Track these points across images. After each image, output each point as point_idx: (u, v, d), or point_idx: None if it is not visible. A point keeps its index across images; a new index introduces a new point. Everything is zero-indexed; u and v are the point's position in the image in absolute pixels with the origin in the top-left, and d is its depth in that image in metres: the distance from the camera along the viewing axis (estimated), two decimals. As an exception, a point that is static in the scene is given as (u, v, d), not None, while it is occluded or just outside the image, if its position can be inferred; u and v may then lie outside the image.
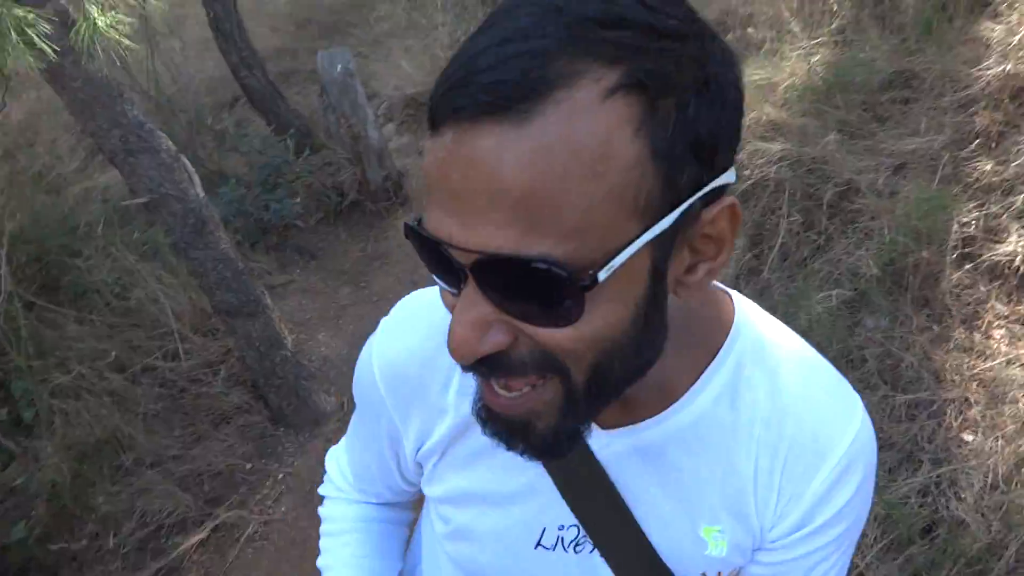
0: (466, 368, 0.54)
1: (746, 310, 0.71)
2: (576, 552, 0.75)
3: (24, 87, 5.18)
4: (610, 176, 0.45)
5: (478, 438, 0.68)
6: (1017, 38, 2.93)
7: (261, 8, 6.45)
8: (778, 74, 3.36)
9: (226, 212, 3.88)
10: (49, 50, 1.73)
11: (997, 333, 2.33)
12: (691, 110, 0.47)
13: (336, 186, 4.44)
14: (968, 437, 2.16)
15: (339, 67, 4.26)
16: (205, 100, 5.27)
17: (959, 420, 2.20)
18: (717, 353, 0.67)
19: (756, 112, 3.15)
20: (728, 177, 0.52)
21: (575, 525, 0.74)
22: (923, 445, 2.18)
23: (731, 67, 0.50)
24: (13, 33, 1.68)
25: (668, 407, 0.67)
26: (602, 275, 0.47)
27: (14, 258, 3.23)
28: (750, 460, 0.68)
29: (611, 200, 0.46)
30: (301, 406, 3.12)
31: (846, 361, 2.40)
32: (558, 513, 0.73)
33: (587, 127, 0.44)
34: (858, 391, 0.72)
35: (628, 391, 0.59)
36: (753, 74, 3.42)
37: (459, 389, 0.74)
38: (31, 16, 1.70)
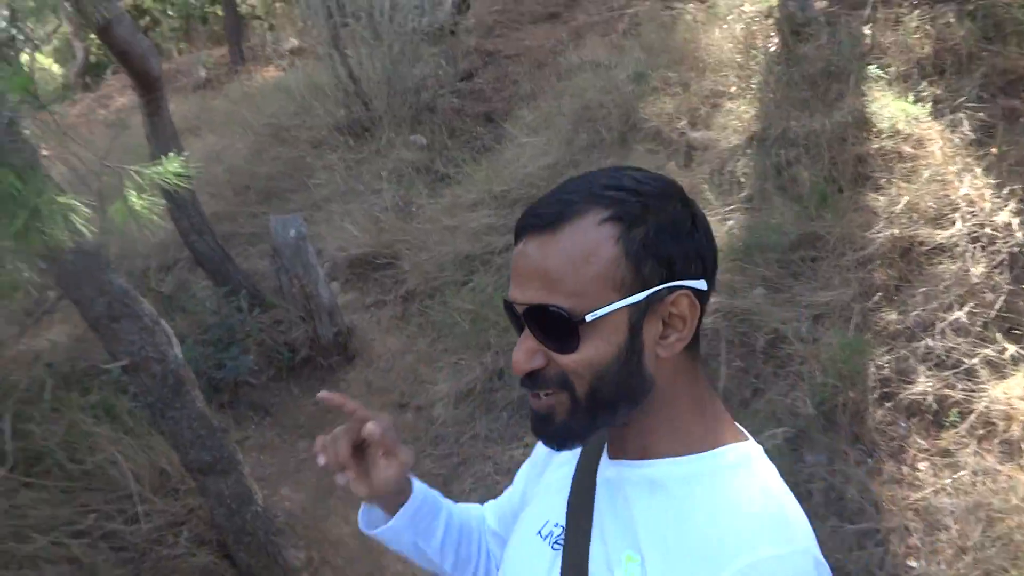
0: (521, 381, 0.88)
1: (749, 450, 0.89)
2: (553, 549, 0.95)
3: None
4: (596, 265, 0.82)
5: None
6: (898, 207, 3.48)
7: (201, 175, 6.70)
8: (702, 236, 3.80)
9: (182, 371, 3.94)
10: (88, 232, 1.91)
11: (922, 465, 2.65)
12: (652, 235, 0.83)
13: (288, 343, 4.57)
14: (912, 563, 2.42)
15: (292, 231, 4.50)
16: (150, 263, 5.38)
17: (902, 547, 2.46)
18: (703, 451, 0.87)
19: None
20: (697, 284, 0.85)
21: (562, 526, 0.96)
22: (875, 572, 2.42)
23: (688, 218, 0.86)
24: (60, 219, 1.85)
25: (648, 459, 0.89)
26: (588, 317, 0.81)
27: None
28: (681, 528, 0.83)
29: (598, 278, 0.81)
30: (271, 563, 3.11)
31: (795, 495, 2.66)
32: (559, 512, 0.97)
33: (585, 238, 0.82)
34: (810, 522, 0.83)
35: (637, 434, 0.90)
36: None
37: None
38: (74, 202, 1.89)
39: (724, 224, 3.89)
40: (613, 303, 0.82)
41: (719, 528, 0.81)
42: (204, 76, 9.90)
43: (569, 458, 1.02)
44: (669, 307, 0.84)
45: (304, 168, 6.84)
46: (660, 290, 0.83)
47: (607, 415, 0.87)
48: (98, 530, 3.23)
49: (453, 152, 5.97)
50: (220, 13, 10.41)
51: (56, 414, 3.71)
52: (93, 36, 9.30)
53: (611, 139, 4.89)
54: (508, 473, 3.57)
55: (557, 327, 0.83)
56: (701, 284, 0.85)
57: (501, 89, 6.85)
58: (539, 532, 0.99)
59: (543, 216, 0.84)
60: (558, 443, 0.90)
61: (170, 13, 11.20)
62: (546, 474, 1.08)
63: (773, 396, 3.05)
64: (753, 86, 4.62)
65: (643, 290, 0.82)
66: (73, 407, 3.72)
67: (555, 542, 0.95)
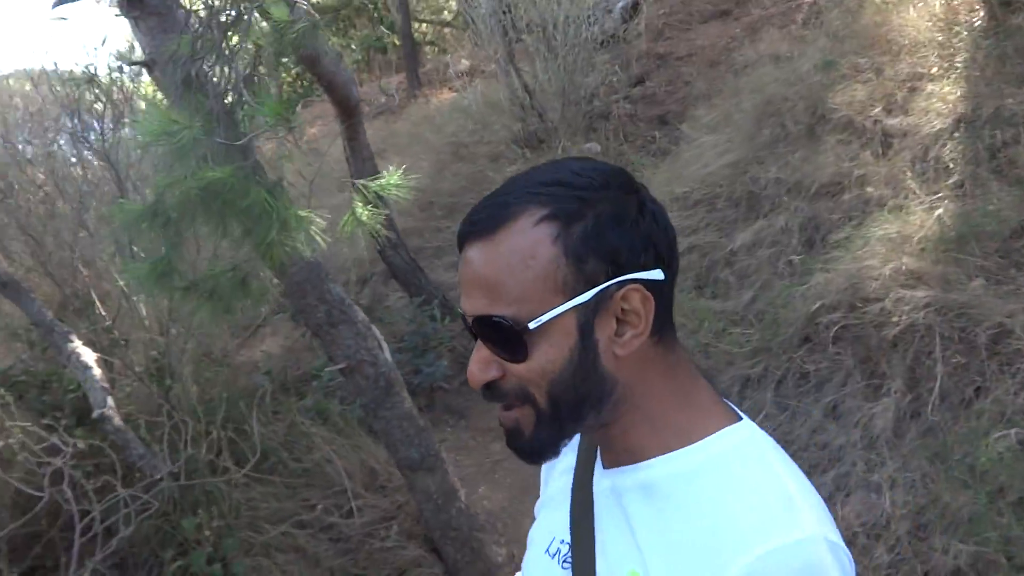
0: (482, 393, 0.83)
1: (742, 432, 0.84)
2: (562, 568, 0.91)
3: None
4: (535, 268, 0.77)
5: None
6: None
7: (389, 193, 7.12)
8: (907, 227, 3.57)
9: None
10: (323, 242, 2.10)
11: None
12: (591, 229, 0.78)
13: (478, 349, 4.74)
14: None
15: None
16: (349, 276, 5.78)
17: None
18: (691, 443, 0.83)
19: (895, 262, 3.35)
20: (649, 275, 0.80)
21: (568, 543, 0.91)
22: None
23: (634, 205, 0.81)
24: (301, 231, 2.04)
25: (636, 463, 0.86)
26: (532, 325, 0.77)
27: (212, 429, 3.55)
28: (680, 530, 0.79)
29: (538, 281, 0.77)
30: (475, 559, 3.24)
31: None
32: (563, 528, 0.92)
33: (521, 240, 0.78)
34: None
35: (620, 436, 0.85)
36: (880, 228, 3.66)
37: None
38: (313, 215, 2.08)
39: (932, 213, 3.62)
40: (557, 307, 0.77)
41: (719, 524, 0.76)
42: (385, 103, 10.51)
43: (569, 467, 0.97)
44: (620, 303, 0.79)
45: (484, 182, 7.09)
46: (607, 287, 0.78)
47: (573, 423, 0.83)
48: (319, 523, 3.51)
49: (629, 157, 5.97)
50: (397, 43, 11.01)
51: (276, 417, 4.07)
52: (284, 74, 10.15)
53: (797, 132, 4.70)
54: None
55: (503, 337, 0.79)
56: (655, 274, 0.80)
57: (674, 91, 6.77)
58: (547, 551, 0.95)
59: (479, 223, 0.80)
60: (532, 457, 0.86)
61: (353, 47, 12.00)
62: (550, 484, 1.04)
63: (1000, 395, 2.80)
64: (958, 65, 4.29)
65: (588, 289, 0.78)
66: (291, 410, 4.07)
67: (564, 560, 0.91)
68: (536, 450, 0.85)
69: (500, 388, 0.82)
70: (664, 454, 0.83)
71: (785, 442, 3.44)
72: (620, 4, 7.29)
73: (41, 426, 2.96)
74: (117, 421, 3.15)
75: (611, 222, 0.79)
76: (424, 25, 12.30)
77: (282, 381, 4.57)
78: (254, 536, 3.27)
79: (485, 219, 0.80)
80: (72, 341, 3.28)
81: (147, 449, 3.26)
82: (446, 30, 12.43)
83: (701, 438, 0.83)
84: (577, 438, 0.95)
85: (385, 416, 3.14)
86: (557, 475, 1.00)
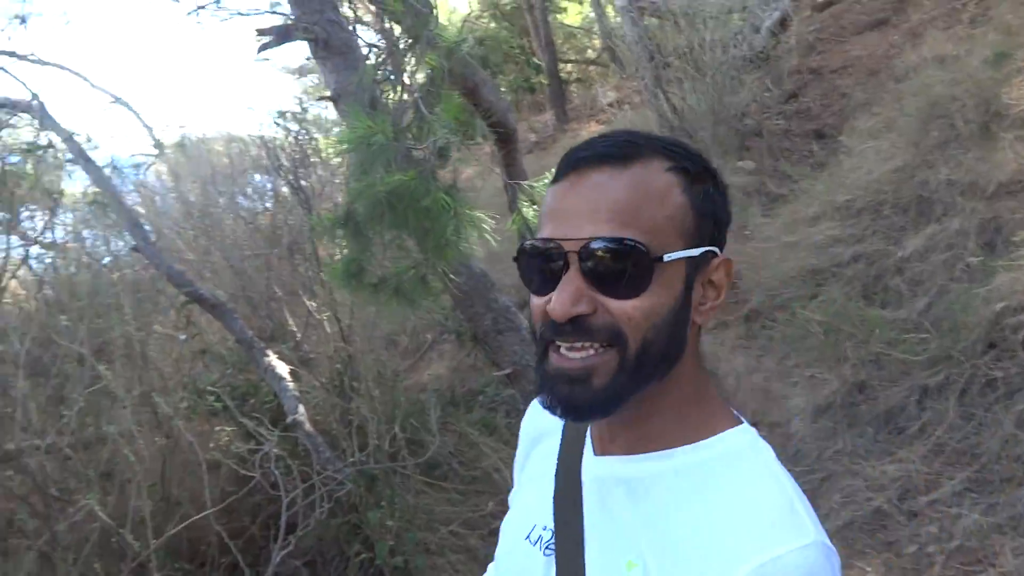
0: (556, 329, 0.78)
1: (747, 435, 0.84)
2: (545, 555, 0.87)
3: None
4: (668, 208, 0.78)
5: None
6: None
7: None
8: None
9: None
10: (493, 241, 2.26)
11: None
12: (710, 192, 0.82)
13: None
14: None
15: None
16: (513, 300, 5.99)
17: None
18: (699, 440, 0.82)
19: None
20: (722, 252, 0.83)
21: (551, 530, 0.87)
22: None
23: (722, 183, 0.85)
24: (471, 231, 2.21)
25: (641, 453, 0.83)
26: (665, 257, 0.76)
27: (390, 434, 3.80)
28: (692, 540, 0.76)
29: (669, 220, 0.78)
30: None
31: None
32: (545, 514, 0.88)
33: (657, 179, 0.78)
34: None
35: (634, 423, 0.82)
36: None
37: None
38: (483, 215, 2.24)
39: None
40: (681, 250, 0.77)
41: (728, 524, 0.75)
42: (534, 139, 10.86)
43: (551, 451, 0.93)
44: (713, 271, 0.82)
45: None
46: (712, 250, 0.81)
47: (646, 379, 0.78)
48: (487, 525, 3.65)
49: (784, 171, 5.87)
50: (545, 81, 11.38)
51: (446, 428, 4.28)
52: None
53: (969, 132, 4.47)
54: (882, 490, 3.36)
55: (631, 264, 0.75)
56: (722, 252, 0.84)
57: (829, 104, 6.59)
58: (527, 537, 0.91)
59: (610, 151, 0.79)
60: (593, 409, 0.79)
61: (503, 89, 12.51)
62: (528, 466, 0.99)
63: None
64: None
65: (701, 245, 0.80)
66: (460, 423, 4.27)
67: (546, 548, 0.88)
68: (604, 401, 0.78)
69: (589, 324, 0.77)
70: (671, 448, 0.82)
71: (971, 455, 3.24)
72: (767, 23, 7.20)
73: (245, 428, 3.29)
74: (308, 427, 3.44)
75: (721, 195, 0.84)
76: (569, 65, 12.64)
77: (450, 398, 4.80)
78: (429, 536, 3.45)
79: (616, 150, 0.79)
80: (268, 355, 3.63)
81: (332, 453, 3.53)
82: (591, 68, 12.70)
83: (710, 435, 0.82)
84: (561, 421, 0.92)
85: (551, 420, 3.24)
86: (537, 460, 0.97)
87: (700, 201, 0.80)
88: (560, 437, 0.93)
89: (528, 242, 0.81)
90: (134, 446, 3.07)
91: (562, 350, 0.78)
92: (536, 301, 0.81)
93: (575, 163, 0.80)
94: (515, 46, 12.24)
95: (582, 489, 0.86)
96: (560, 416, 0.81)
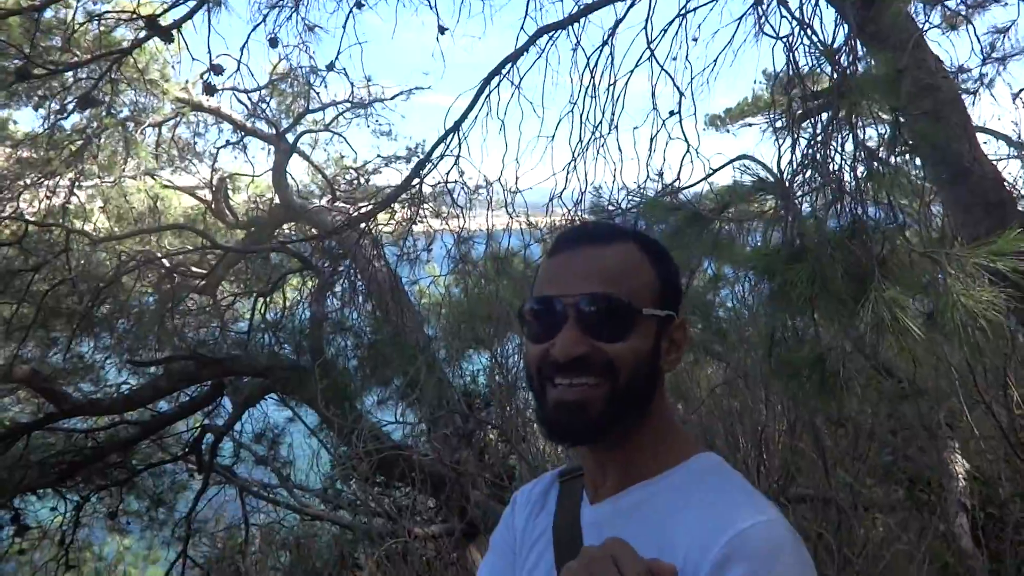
0: (558, 367, 0.99)
1: (712, 457, 1.05)
2: None
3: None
4: (643, 277, 1.03)
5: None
6: None
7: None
8: None
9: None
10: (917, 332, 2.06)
11: None
12: (669, 269, 1.08)
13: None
14: None
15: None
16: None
17: None
18: (674, 466, 1.03)
19: None
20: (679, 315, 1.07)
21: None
22: None
23: (676, 264, 1.11)
24: (888, 313, 2.11)
25: (629, 487, 1.03)
26: (644, 311, 1.01)
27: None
28: (685, 536, 0.94)
29: (644, 286, 1.03)
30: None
31: None
32: (550, 563, 1.05)
33: (633, 255, 1.04)
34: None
35: (623, 459, 1.02)
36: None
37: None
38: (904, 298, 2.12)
39: None
40: (653, 309, 1.02)
41: (706, 517, 0.92)
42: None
43: (545, 510, 1.12)
44: (674, 330, 1.06)
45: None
46: (672, 313, 1.05)
47: (633, 409, 1.00)
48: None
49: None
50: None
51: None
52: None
53: None
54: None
55: (615, 315, 0.99)
56: (677, 316, 1.08)
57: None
58: None
59: (596, 234, 1.07)
60: (588, 433, 1.00)
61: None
62: (527, 530, 1.13)
63: None
64: None
65: (666, 308, 1.04)
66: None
67: None
68: (598, 426, 0.99)
69: (588, 361, 0.99)
70: (651, 477, 1.02)
71: None
72: None
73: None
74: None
75: (678, 273, 1.10)
76: None
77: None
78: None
79: (600, 234, 1.07)
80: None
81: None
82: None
83: (686, 459, 1.03)
84: (556, 489, 1.14)
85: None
86: (533, 519, 1.13)
87: (665, 275, 1.06)
88: (555, 500, 1.13)
89: (532, 300, 1.04)
90: None
91: (560, 385, 1.00)
92: (535, 348, 1.04)
93: (569, 242, 1.06)
94: None
95: (582, 532, 1.04)
96: (560, 442, 1.06)
